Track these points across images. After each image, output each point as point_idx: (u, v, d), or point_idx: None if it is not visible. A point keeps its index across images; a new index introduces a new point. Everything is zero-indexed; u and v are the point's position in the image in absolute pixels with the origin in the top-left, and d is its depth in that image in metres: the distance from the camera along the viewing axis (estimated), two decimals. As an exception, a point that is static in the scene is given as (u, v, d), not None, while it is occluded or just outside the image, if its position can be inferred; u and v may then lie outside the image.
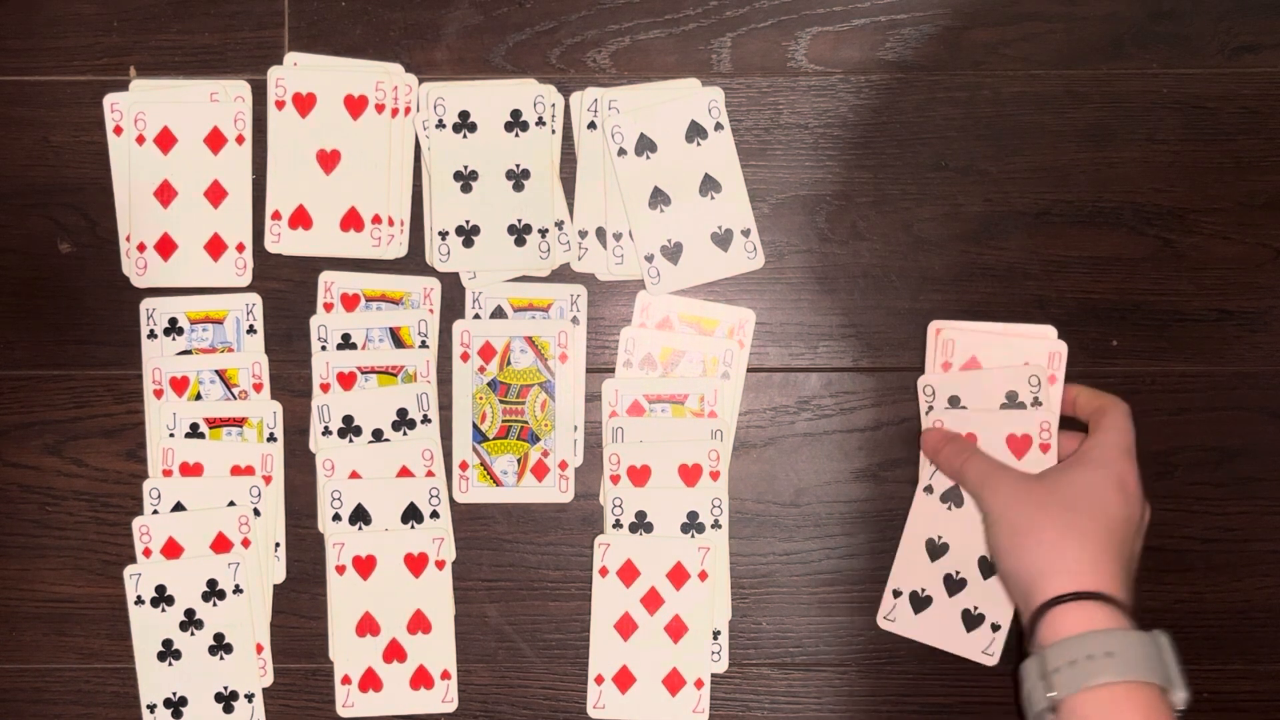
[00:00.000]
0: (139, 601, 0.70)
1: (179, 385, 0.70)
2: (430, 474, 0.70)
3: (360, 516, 0.70)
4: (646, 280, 0.70)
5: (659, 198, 0.70)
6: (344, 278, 0.71)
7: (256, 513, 0.70)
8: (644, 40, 0.71)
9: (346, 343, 0.70)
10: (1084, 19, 0.71)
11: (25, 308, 0.71)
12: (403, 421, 0.70)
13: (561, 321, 0.71)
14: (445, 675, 0.70)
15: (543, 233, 0.70)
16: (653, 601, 0.69)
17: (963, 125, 0.71)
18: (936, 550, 0.69)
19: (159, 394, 0.70)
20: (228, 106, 0.70)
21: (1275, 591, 0.71)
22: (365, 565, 0.70)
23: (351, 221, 0.70)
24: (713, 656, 0.70)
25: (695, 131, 0.70)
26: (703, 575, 0.69)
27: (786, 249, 0.71)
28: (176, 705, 0.70)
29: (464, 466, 0.71)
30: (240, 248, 0.71)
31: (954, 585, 0.69)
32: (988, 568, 0.68)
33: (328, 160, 0.70)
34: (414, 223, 0.71)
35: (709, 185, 0.70)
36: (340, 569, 0.70)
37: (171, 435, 0.70)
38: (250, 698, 0.70)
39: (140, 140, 0.70)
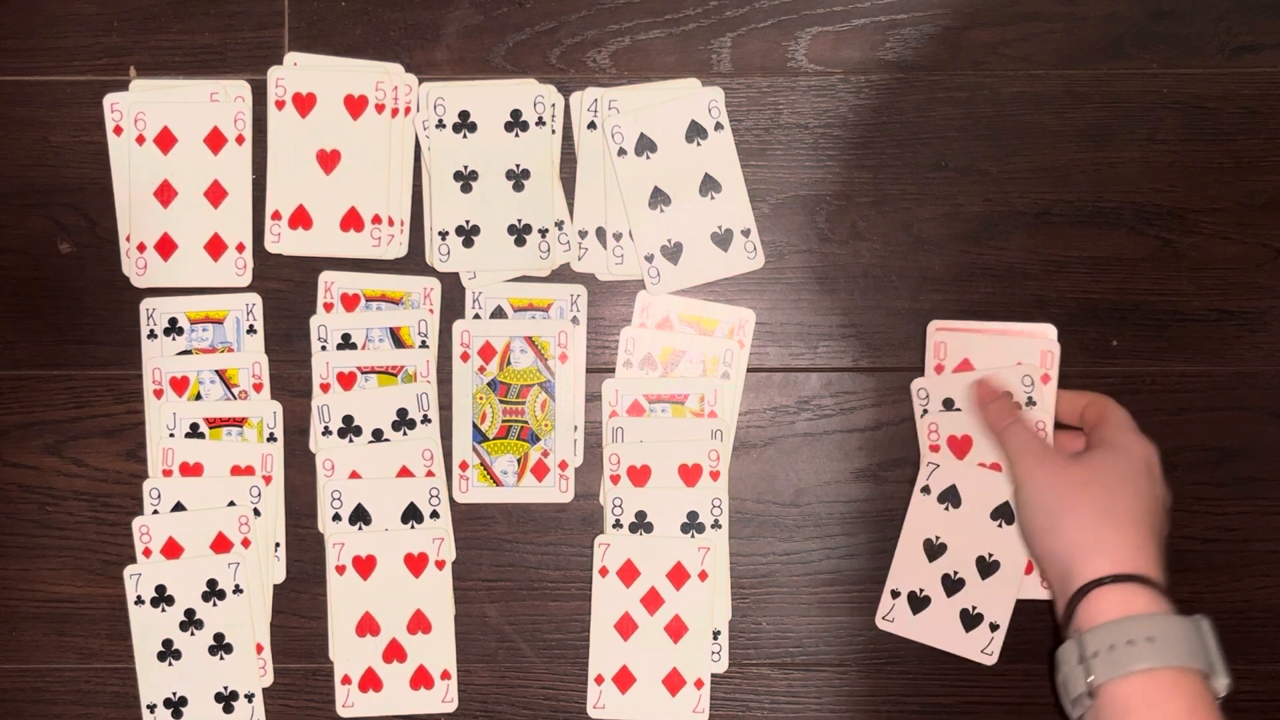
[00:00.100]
0: (139, 601, 0.70)
1: (179, 385, 0.70)
2: (430, 474, 0.70)
3: (360, 516, 0.70)
4: (646, 280, 0.70)
5: (659, 198, 0.70)
6: (344, 278, 0.71)
7: (256, 513, 0.70)
8: (644, 40, 0.71)
9: (346, 343, 0.70)
10: (1084, 19, 0.71)
11: (25, 308, 0.71)
12: (403, 421, 0.70)
13: (561, 321, 0.71)
14: (445, 675, 0.70)
15: (543, 233, 0.70)
16: (653, 601, 0.69)
17: (963, 125, 0.71)
18: (934, 550, 0.69)
19: (159, 394, 0.70)
20: (228, 106, 0.70)
21: (1275, 591, 0.71)
22: (365, 565, 0.70)
23: (351, 221, 0.70)
24: (713, 656, 0.70)
25: (695, 131, 0.70)
26: (703, 575, 0.69)
27: (786, 249, 0.71)
28: (176, 705, 0.70)
29: (464, 466, 0.71)
30: (240, 248, 0.71)
31: (952, 585, 0.69)
32: (986, 567, 0.68)
33: (328, 160, 0.70)
34: (414, 223, 0.71)
35: (709, 185, 0.70)
36: (340, 569, 0.70)
37: (171, 435, 0.70)
38: (250, 698, 0.70)
39: (140, 140, 0.70)
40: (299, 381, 0.71)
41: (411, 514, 0.70)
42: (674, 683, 0.69)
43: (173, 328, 0.71)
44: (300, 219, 0.70)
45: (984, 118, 0.71)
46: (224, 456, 0.70)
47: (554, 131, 0.71)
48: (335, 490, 0.70)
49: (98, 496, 0.71)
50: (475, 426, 0.71)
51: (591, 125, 0.70)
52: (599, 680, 0.70)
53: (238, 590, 0.69)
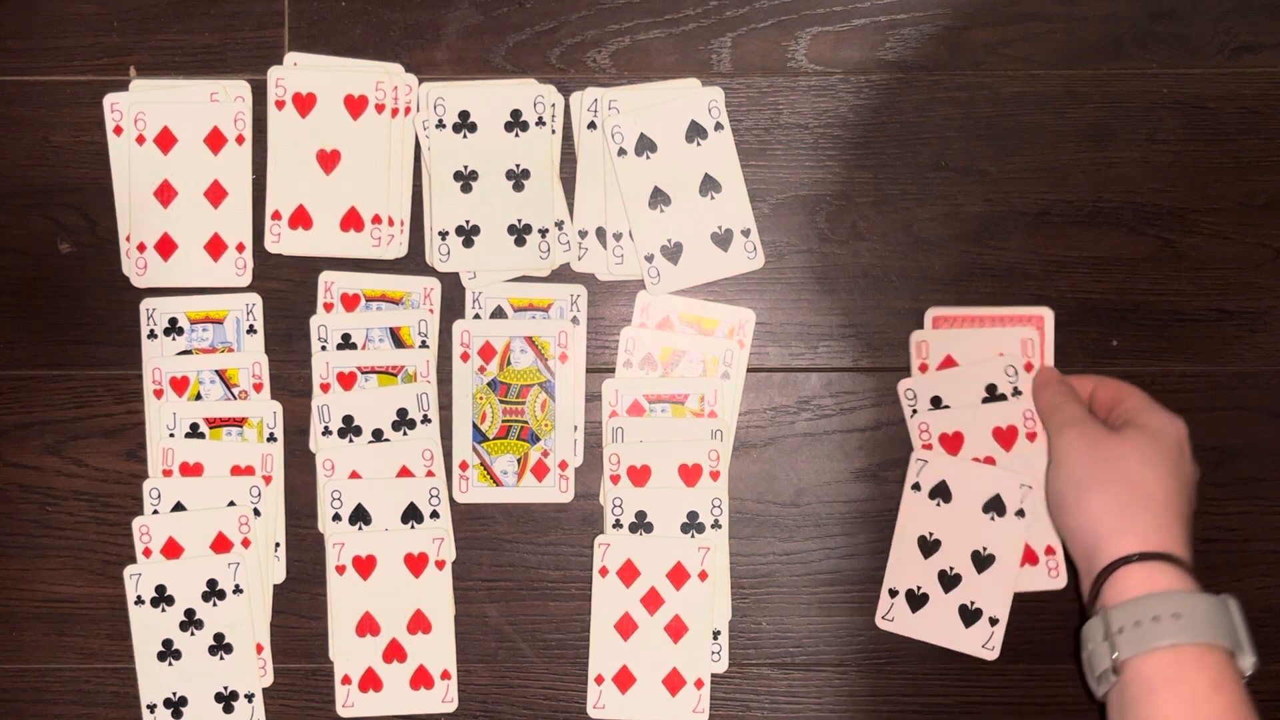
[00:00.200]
0: (139, 601, 0.70)
1: (179, 385, 0.70)
2: (430, 474, 0.70)
3: (360, 516, 0.70)
4: (646, 280, 0.70)
5: (659, 198, 0.70)
6: (344, 278, 0.71)
7: (256, 513, 0.70)
8: (644, 40, 0.71)
9: (346, 343, 0.70)
10: (1084, 19, 0.71)
11: (25, 308, 0.71)
12: (403, 421, 0.70)
13: (561, 321, 0.71)
14: (445, 675, 0.70)
15: (543, 233, 0.70)
16: (653, 601, 0.69)
17: (963, 125, 0.71)
18: (929, 547, 0.69)
19: (159, 394, 0.70)
20: (228, 106, 0.70)
21: (1275, 591, 0.71)
22: (365, 565, 0.70)
23: (351, 221, 0.70)
24: (713, 656, 0.70)
25: (695, 131, 0.70)
26: (703, 575, 0.69)
27: (786, 249, 0.71)
28: (176, 705, 0.70)
29: (464, 466, 0.71)
30: (240, 248, 0.71)
31: (949, 581, 0.69)
32: (981, 562, 0.68)
33: (328, 160, 0.70)
34: (414, 223, 0.71)
35: (709, 185, 0.70)
36: (340, 569, 0.70)
37: (171, 435, 0.70)
38: (250, 698, 0.70)
39: (140, 140, 0.70)
40: (299, 381, 0.71)
41: (411, 514, 0.70)
42: (674, 683, 0.69)
43: (173, 328, 0.71)
44: (300, 219, 0.70)
45: (984, 118, 0.71)
46: (224, 456, 0.70)
47: (554, 131, 0.71)
48: (335, 490, 0.70)
49: (98, 496, 0.71)
50: (475, 426, 0.71)
51: (591, 125, 0.70)
52: (599, 680, 0.70)
53: (238, 590, 0.69)
